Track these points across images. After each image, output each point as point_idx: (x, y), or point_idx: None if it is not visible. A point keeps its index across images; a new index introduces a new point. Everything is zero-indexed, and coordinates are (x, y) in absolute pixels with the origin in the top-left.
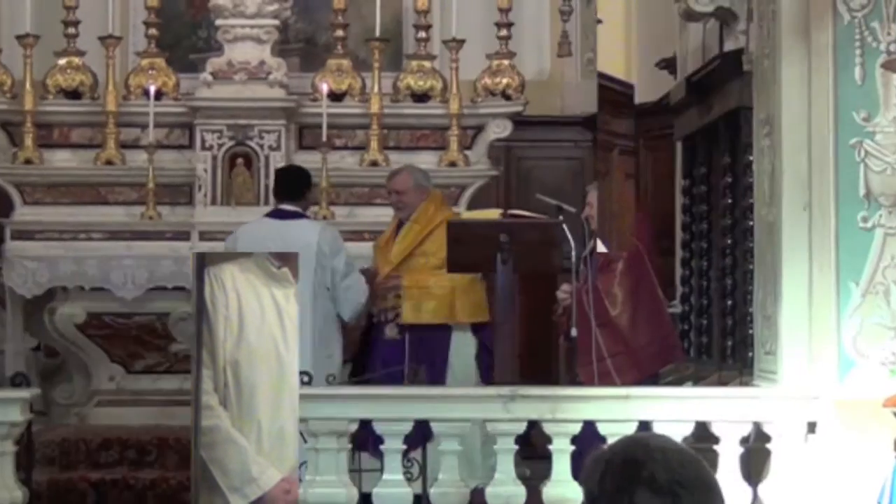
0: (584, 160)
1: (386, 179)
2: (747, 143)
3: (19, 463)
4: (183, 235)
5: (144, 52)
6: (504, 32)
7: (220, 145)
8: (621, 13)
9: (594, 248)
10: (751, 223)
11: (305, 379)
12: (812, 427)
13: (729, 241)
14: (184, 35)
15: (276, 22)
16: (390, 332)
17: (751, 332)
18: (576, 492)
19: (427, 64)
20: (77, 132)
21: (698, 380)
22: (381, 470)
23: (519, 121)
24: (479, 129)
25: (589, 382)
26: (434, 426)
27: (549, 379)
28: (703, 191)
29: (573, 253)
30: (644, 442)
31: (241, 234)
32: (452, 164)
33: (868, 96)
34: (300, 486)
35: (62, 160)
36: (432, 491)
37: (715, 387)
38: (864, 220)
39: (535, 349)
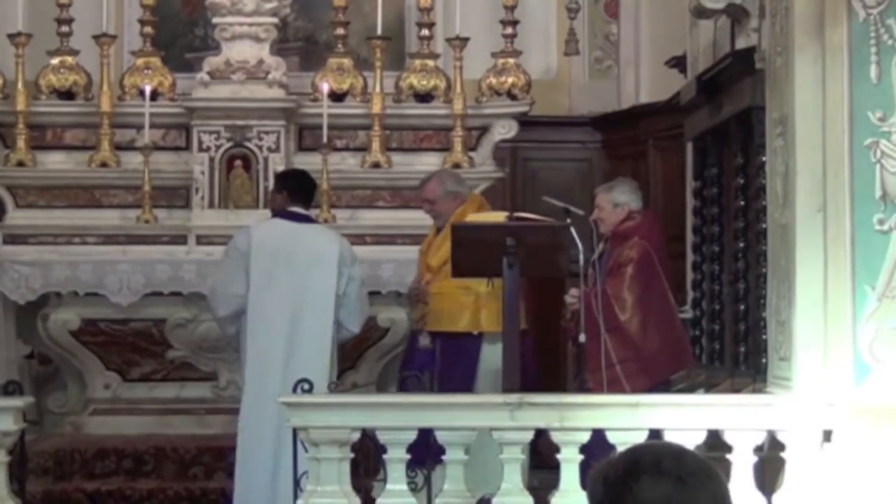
0: (592, 161)
1: (418, 187)
2: (760, 144)
3: (12, 473)
4: (180, 239)
5: (140, 52)
6: (509, 30)
7: (218, 147)
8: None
9: (603, 251)
10: (764, 226)
11: (306, 386)
12: (827, 435)
13: (741, 245)
14: (180, 33)
15: (275, 20)
16: (423, 340)
17: (764, 337)
18: (585, 501)
19: (430, 63)
20: (71, 133)
21: (710, 387)
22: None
23: (525, 121)
24: (484, 130)
25: (598, 389)
26: (438, 435)
27: (557, 386)
28: (714, 193)
29: (581, 256)
30: (644, 443)
31: (257, 235)
32: (457, 165)
33: (884, 95)
34: (301, 497)
35: (55, 162)
36: (437, 502)
37: (727, 394)
38: (881, 222)
39: (542, 355)
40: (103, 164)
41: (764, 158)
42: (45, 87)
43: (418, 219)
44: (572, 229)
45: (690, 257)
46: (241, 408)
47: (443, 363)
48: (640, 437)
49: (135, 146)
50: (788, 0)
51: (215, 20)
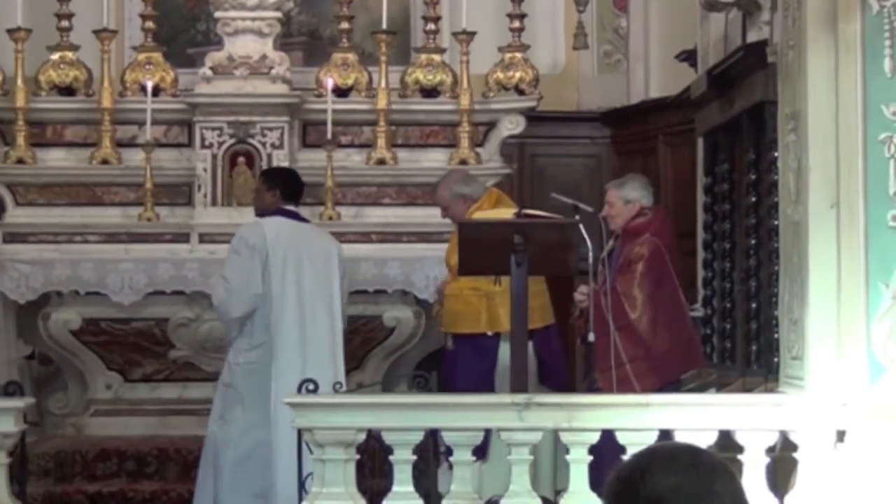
0: (601, 157)
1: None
2: (772, 139)
3: (13, 475)
4: (182, 237)
5: (141, 47)
6: (516, 24)
7: (221, 143)
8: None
9: (613, 248)
10: (776, 222)
11: (311, 387)
12: (841, 435)
13: (753, 242)
14: (182, 28)
15: (279, 14)
16: (448, 341)
17: (776, 336)
18: (595, 503)
19: (436, 57)
20: (71, 130)
21: (722, 386)
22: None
23: (533, 116)
24: (491, 126)
25: (607, 389)
26: (446, 436)
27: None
28: (725, 189)
29: (590, 254)
30: (653, 446)
31: (269, 232)
32: (463, 161)
33: None
34: (305, 499)
35: (56, 159)
36: (444, 503)
37: (739, 394)
38: (895, 218)
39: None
40: (104, 162)
41: (776, 154)
42: (45, 83)
43: (424, 216)
44: (581, 226)
45: (701, 254)
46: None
47: (462, 364)
48: (651, 438)
49: (136, 143)
50: None
51: (218, 15)
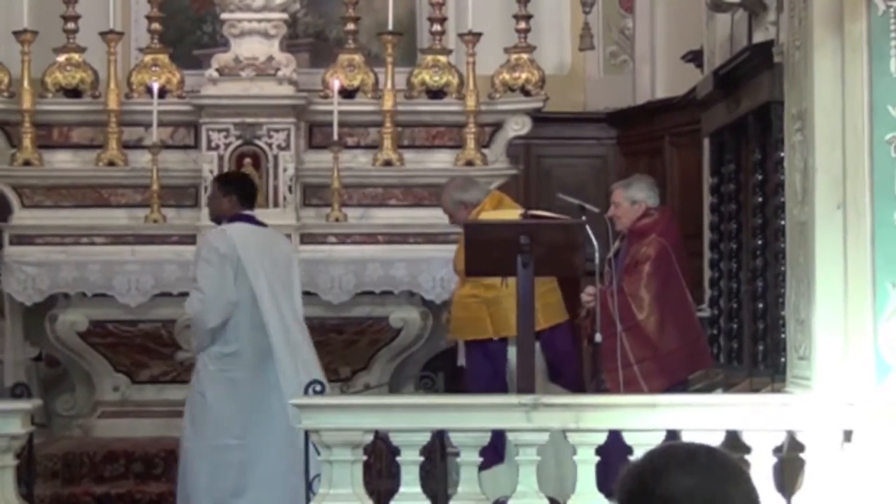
0: (608, 158)
1: None
2: (778, 139)
3: (20, 477)
4: (189, 239)
5: (147, 48)
6: (522, 25)
7: (227, 145)
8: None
9: (619, 249)
10: (782, 223)
11: (318, 388)
12: (848, 435)
13: (759, 242)
14: (188, 30)
15: (285, 16)
16: (460, 356)
17: (783, 336)
18: None
19: (442, 58)
20: (78, 132)
21: (728, 387)
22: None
23: (539, 117)
24: (498, 127)
25: (614, 389)
26: (452, 436)
27: None
28: (731, 189)
29: (597, 255)
30: (667, 446)
31: (237, 238)
32: (469, 163)
33: None
34: (313, 500)
35: (62, 161)
36: None
37: (746, 394)
38: None
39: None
40: (111, 163)
41: (782, 154)
42: (51, 85)
43: (431, 217)
44: (587, 227)
45: (708, 255)
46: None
47: (472, 370)
48: (658, 439)
49: (143, 144)
50: None
51: (224, 16)
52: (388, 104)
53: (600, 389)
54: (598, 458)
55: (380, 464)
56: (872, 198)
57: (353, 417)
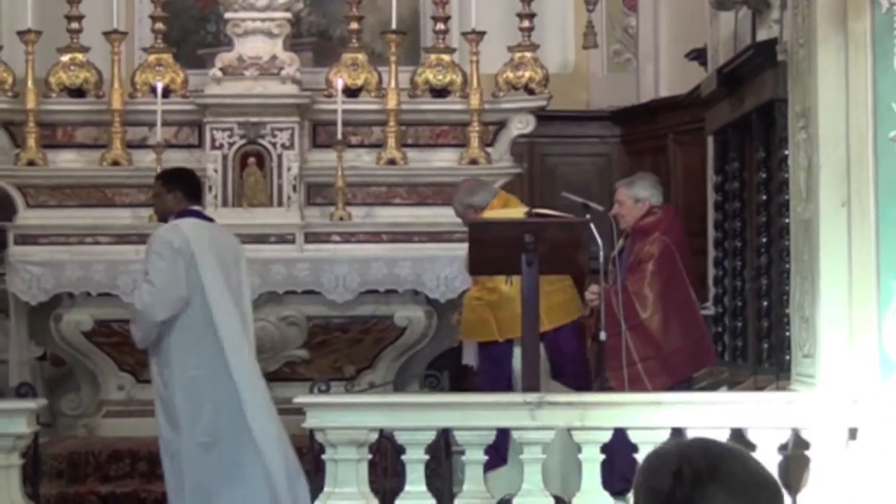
0: (611, 156)
1: None
2: (782, 137)
3: (26, 476)
4: None
5: (151, 48)
6: (526, 23)
7: (231, 144)
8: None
9: (623, 247)
10: (786, 220)
11: (323, 387)
12: (853, 433)
13: (764, 240)
14: (192, 29)
15: (288, 15)
16: (468, 358)
17: (787, 334)
18: (607, 502)
19: (446, 57)
20: (82, 132)
21: (733, 384)
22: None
23: (542, 116)
24: (501, 125)
25: (619, 387)
26: (457, 435)
27: None
28: (736, 187)
29: (601, 253)
30: (717, 441)
31: (190, 233)
32: (473, 161)
33: None
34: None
35: (66, 161)
36: (457, 503)
37: (751, 392)
38: None
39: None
40: (115, 163)
41: (786, 152)
42: (55, 85)
43: (435, 216)
44: (592, 225)
45: (712, 253)
46: (246, 410)
47: (480, 371)
48: (663, 436)
49: (147, 144)
50: None
51: (228, 16)
52: (391, 103)
53: (605, 388)
54: (603, 457)
55: (385, 462)
56: (876, 195)
57: (358, 416)
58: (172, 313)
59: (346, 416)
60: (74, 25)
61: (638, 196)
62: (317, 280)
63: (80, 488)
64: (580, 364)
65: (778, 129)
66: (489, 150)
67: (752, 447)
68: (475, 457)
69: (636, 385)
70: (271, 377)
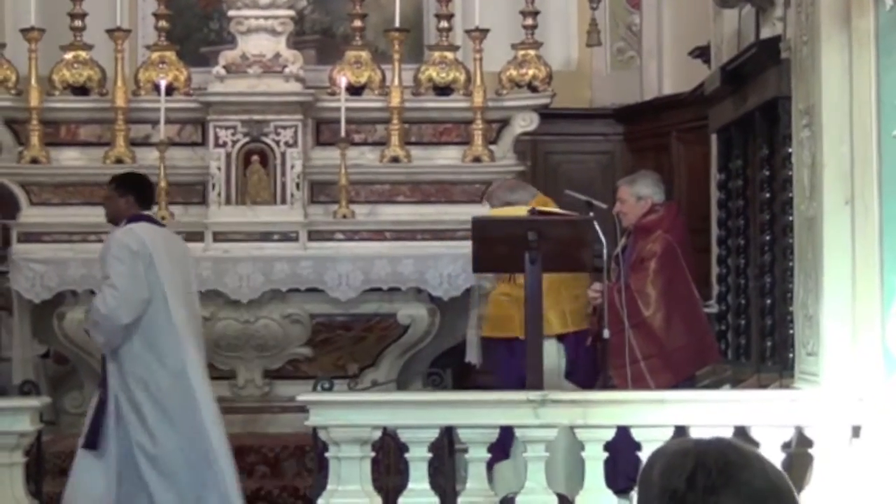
0: (615, 154)
1: None
2: (786, 135)
3: (29, 474)
4: (196, 236)
5: (154, 46)
6: (530, 21)
7: (235, 142)
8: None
9: (626, 245)
10: (790, 218)
11: (326, 385)
12: (856, 431)
13: (767, 238)
14: (195, 27)
15: (292, 12)
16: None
17: (791, 332)
18: (610, 501)
19: (449, 55)
20: (85, 129)
21: (737, 382)
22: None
23: (546, 114)
24: (505, 123)
25: (622, 385)
26: (461, 433)
27: None
28: (739, 185)
29: (604, 251)
30: (735, 445)
31: (146, 237)
32: (477, 159)
33: None
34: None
35: (70, 159)
36: (460, 500)
37: (754, 390)
38: None
39: None
40: (118, 161)
41: (790, 150)
42: (58, 83)
43: (438, 214)
44: (595, 223)
45: (715, 251)
46: (202, 411)
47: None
48: (666, 435)
49: (150, 142)
50: None
51: (231, 13)
52: (395, 101)
53: (608, 386)
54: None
55: (388, 460)
56: (880, 193)
57: (361, 414)
58: (136, 315)
59: (350, 414)
60: (78, 23)
61: (640, 194)
62: (320, 278)
63: None
64: (592, 363)
65: (781, 126)
66: (492, 147)
67: (756, 445)
68: (478, 455)
69: (639, 383)
70: (275, 375)
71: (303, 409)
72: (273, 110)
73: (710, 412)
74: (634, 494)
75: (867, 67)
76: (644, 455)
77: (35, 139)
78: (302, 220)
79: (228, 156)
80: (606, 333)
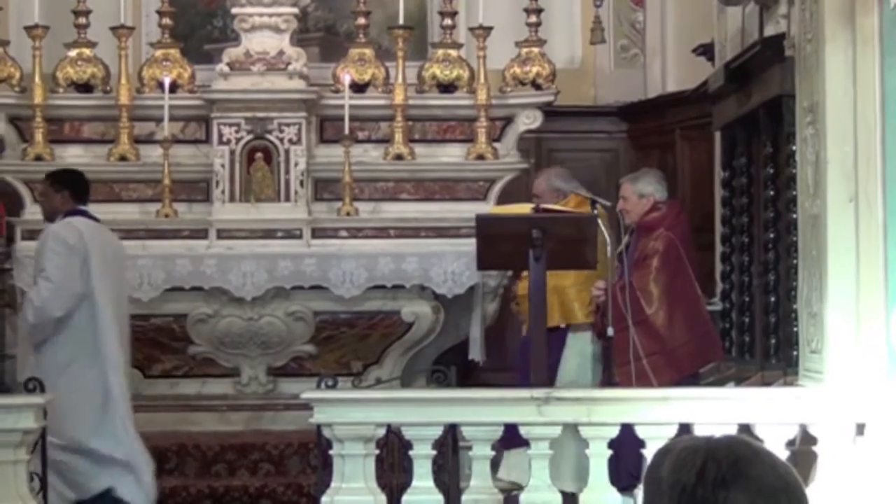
0: (619, 151)
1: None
2: (790, 133)
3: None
4: (200, 234)
5: (158, 43)
6: (533, 19)
7: (238, 139)
8: None
9: (629, 243)
10: (794, 216)
11: (330, 382)
12: (860, 428)
13: (771, 235)
14: (199, 25)
15: (295, 10)
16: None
17: (795, 329)
18: (614, 498)
19: (453, 52)
20: (89, 127)
21: (740, 380)
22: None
23: (550, 111)
24: (509, 121)
25: (625, 383)
26: (465, 430)
27: None
28: (743, 183)
29: (609, 248)
30: (745, 441)
31: (85, 232)
32: (480, 157)
33: None
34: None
35: (74, 156)
36: (464, 498)
37: (758, 387)
38: None
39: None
40: (122, 158)
41: (794, 147)
42: (62, 80)
43: (442, 211)
44: (600, 221)
45: (719, 248)
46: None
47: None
48: (670, 432)
49: (154, 139)
50: None
51: (235, 11)
52: (398, 98)
53: (611, 383)
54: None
55: (392, 458)
56: (884, 191)
57: (365, 411)
58: (69, 309)
59: (354, 412)
60: (81, 20)
61: (642, 192)
62: (324, 275)
63: None
64: None
65: (785, 124)
66: (496, 145)
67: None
68: (482, 452)
69: (642, 380)
70: (278, 372)
71: (307, 406)
72: (277, 108)
73: (713, 410)
74: (637, 492)
75: (871, 65)
76: (648, 452)
77: (39, 136)
78: (306, 217)
79: (232, 153)
80: (611, 331)
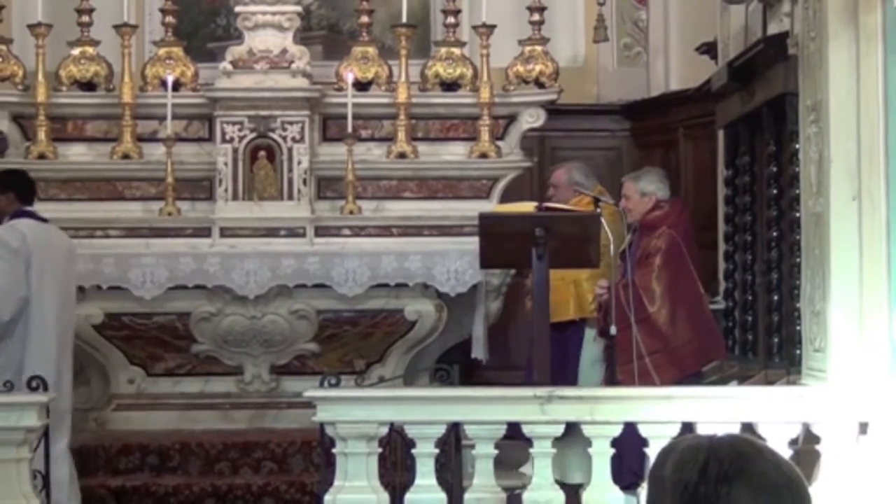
0: (622, 150)
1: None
2: (793, 131)
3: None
4: (203, 232)
5: (161, 41)
6: (536, 17)
7: (242, 137)
8: None
9: (632, 241)
10: (797, 214)
11: (333, 381)
12: (864, 427)
13: (774, 234)
14: (202, 23)
15: (299, 8)
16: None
17: (798, 328)
18: (617, 497)
19: (456, 51)
20: (92, 125)
21: (743, 379)
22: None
23: (553, 109)
24: (512, 119)
25: (627, 382)
26: (467, 429)
27: None
28: (746, 181)
29: (612, 247)
30: (747, 439)
31: (29, 235)
32: (484, 155)
33: None
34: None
35: (77, 154)
36: (467, 496)
37: (761, 386)
38: None
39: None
40: (125, 156)
41: (797, 146)
42: (65, 79)
43: (445, 209)
44: (603, 219)
45: (722, 247)
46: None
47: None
48: (673, 431)
49: (157, 137)
50: None
51: (238, 9)
52: (402, 96)
53: (613, 382)
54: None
55: (395, 456)
56: (888, 189)
57: (368, 410)
58: (15, 312)
59: (357, 410)
60: (85, 19)
61: (644, 190)
62: (327, 274)
63: (90, 481)
64: None
65: (789, 122)
66: (499, 143)
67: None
68: (485, 450)
69: (645, 379)
70: (281, 371)
71: (310, 404)
72: (280, 106)
73: (716, 408)
74: (641, 491)
75: (874, 63)
76: (651, 451)
77: (42, 135)
78: (309, 215)
79: (235, 151)
80: (613, 330)
